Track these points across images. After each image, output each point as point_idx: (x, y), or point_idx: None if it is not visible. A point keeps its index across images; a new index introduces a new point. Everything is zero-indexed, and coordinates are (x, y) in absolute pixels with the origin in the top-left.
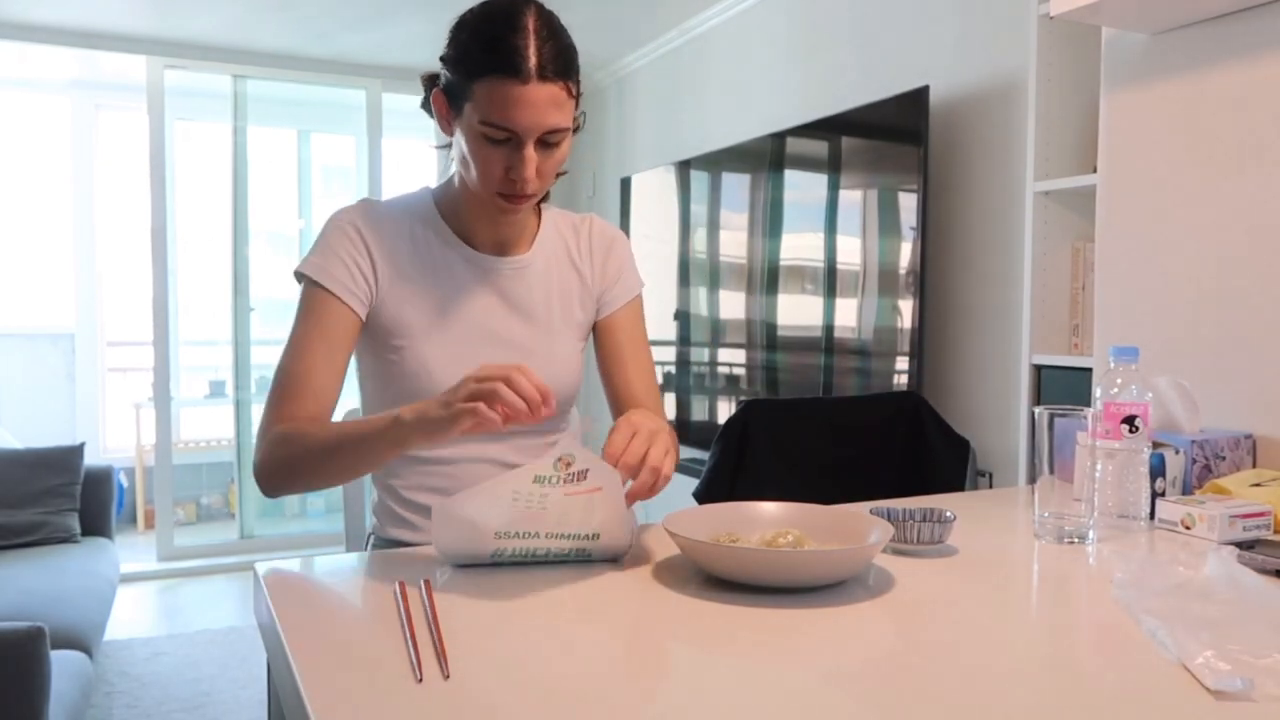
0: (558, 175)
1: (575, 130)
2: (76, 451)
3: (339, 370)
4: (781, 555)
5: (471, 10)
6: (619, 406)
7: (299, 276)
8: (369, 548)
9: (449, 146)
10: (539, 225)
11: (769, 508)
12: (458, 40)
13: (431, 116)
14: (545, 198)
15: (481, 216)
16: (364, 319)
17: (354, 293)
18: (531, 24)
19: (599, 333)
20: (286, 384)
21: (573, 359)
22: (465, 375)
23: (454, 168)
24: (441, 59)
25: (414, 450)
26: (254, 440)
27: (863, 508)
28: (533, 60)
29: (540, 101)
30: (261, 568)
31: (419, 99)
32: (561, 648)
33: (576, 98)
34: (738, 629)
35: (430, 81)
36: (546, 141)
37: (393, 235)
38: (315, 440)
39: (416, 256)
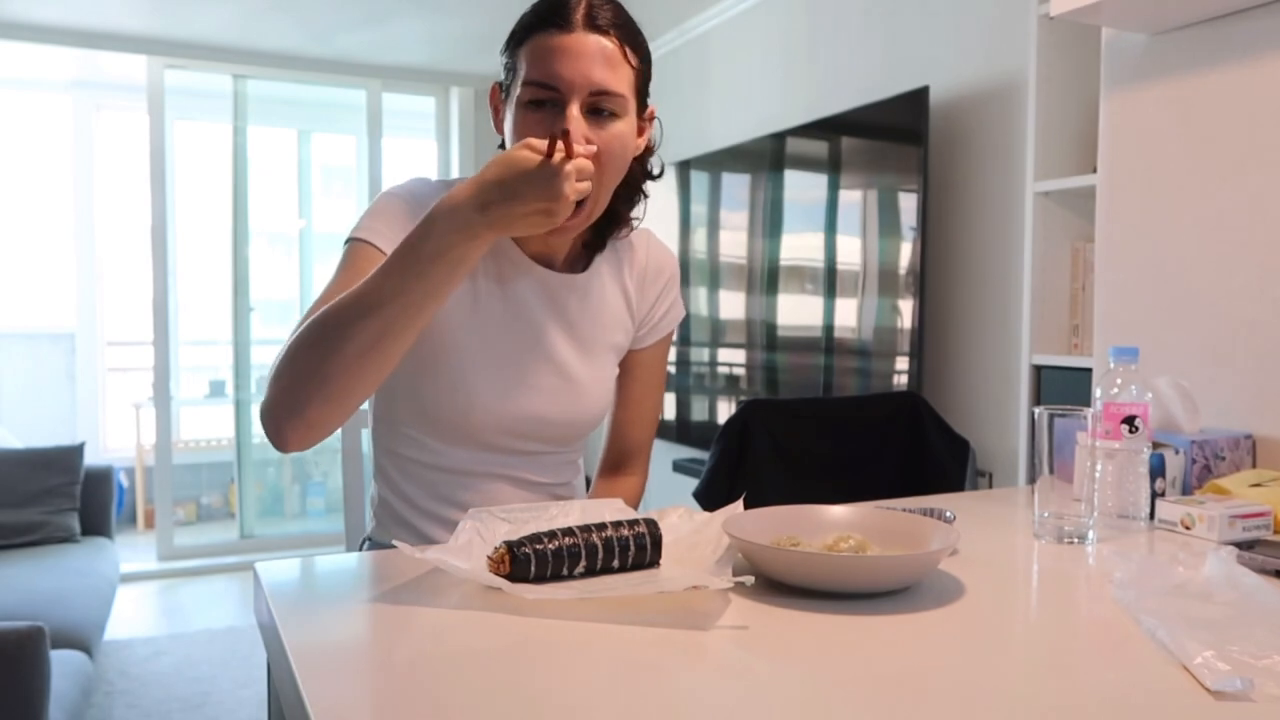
0: (634, 197)
1: (650, 151)
2: (76, 451)
3: None
4: (842, 560)
5: None
6: (611, 441)
7: (348, 242)
8: (363, 550)
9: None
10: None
11: (833, 511)
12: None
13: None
14: (615, 225)
15: None
16: None
17: None
18: None
19: (624, 362)
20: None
21: (609, 383)
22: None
23: None
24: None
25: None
26: (255, 417)
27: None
28: (580, 11)
29: (586, 52)
30: (261, 568)
31: (419, 99)
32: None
33: (637, 72)
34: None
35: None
36: (598, 108)
37: None
38: (339, 309)
39: None
